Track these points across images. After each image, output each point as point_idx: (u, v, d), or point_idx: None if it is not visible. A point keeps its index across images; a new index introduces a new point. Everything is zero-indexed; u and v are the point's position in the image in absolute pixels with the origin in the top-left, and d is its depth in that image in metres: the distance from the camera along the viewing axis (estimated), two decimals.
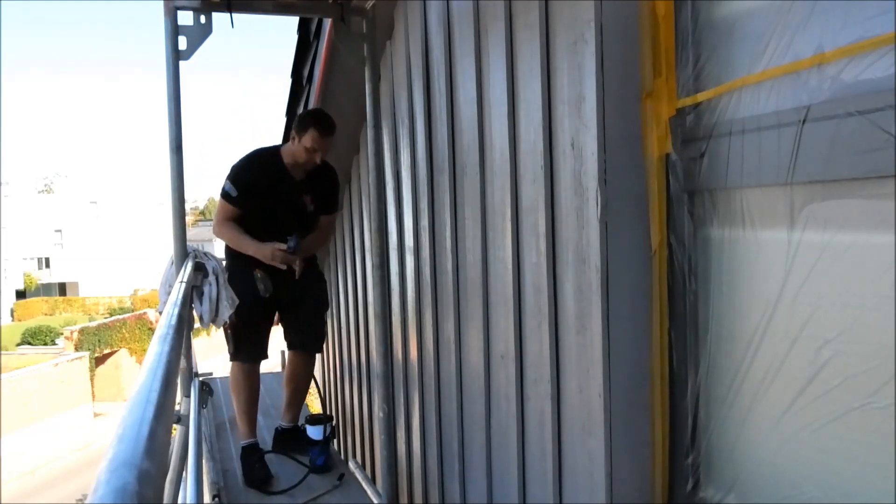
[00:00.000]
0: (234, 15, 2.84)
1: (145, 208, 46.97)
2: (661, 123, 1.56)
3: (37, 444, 20.61)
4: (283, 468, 3.45)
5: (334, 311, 5.55)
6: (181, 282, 2.43)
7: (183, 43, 2.75)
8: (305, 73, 4.11)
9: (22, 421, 20.31)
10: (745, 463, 1.44)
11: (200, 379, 3.17)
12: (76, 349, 24.48)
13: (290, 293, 3.36)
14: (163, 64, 2.74)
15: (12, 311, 41.59)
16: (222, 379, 4.92)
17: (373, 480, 4.38)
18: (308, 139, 3.09)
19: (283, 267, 3.16)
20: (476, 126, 2.26)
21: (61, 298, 44.07)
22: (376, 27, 3.10)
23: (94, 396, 24.10)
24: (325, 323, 3.87)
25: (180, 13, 2.76)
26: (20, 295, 44.27)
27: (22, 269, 44.95)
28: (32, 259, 45.94)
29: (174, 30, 2.73)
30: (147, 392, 0.89)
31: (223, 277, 2.91)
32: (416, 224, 3.02)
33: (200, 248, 3.03)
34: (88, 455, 20.97)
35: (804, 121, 1.20)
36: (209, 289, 2.82)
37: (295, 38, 3.99)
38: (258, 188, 3.21)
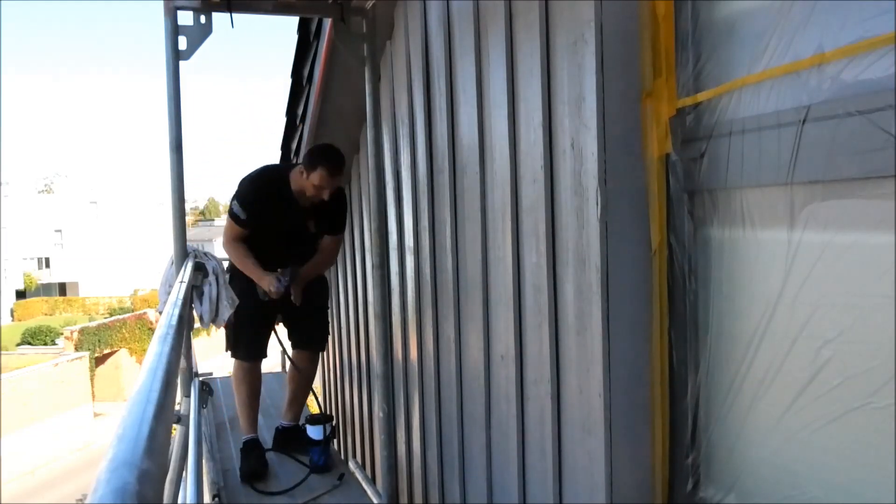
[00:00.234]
0: (233, 15, 2.84)
1: (145, 208, 46.98)
2: (661, 123, 1.56)
3: (37, 444, 20.61)
4: (284, 468, 3.46)
5: (334, 310, 5.55)
6: (181, 282, 2.43)
7: (183, 43, 2.76)
8: (305, 73, 4.11)
9: (22, 421, 20.31)
10: (745, 463, 1.44)
11: (200, 379, 3.17)
12: (76, 349, 24.48)
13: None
14: (163, 64, 2.74)
15: (12, 311, 41.59)
16: (222, 379, 4.93)
17: (373, 480, 4.38)
18: (316, 177, 3.08)
19: (276, 297, 3.20)
20: (476, 126, 2.26)
21: (61, 298, 44.08)
22: (376, 27, 3.10)
23: (94, 396, 24.10)
24: (328, 322, 3.88)
25: (180, 13, 2.76)
26: (20, 295, 44.28)
27: (22, 269, 44.96)
28: (32, 259, 45.94)
29: (174, 30, 2.73)
30: (147, 392, 0.89)
31: (223, 277, 2.91)
32: (416, 224, 3.02)
33: (200, 248, 3.03)
34: (88, 455, 20.97)
35: (804, 121, 1.20)
36: (209, 289, 2.83)
37: (295, 38, 3.98)
38: (265, 211, 3.23)
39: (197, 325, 2.87)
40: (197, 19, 2.78)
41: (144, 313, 28.46)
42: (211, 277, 2.83)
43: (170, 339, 1.29)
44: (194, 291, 2.77)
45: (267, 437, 3.71)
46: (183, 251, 2.88)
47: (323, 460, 3.39)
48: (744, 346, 1.40)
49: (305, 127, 4.44)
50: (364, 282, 4.50)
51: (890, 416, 1.08)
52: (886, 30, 1.05)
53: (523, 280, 2.01)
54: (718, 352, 1.49)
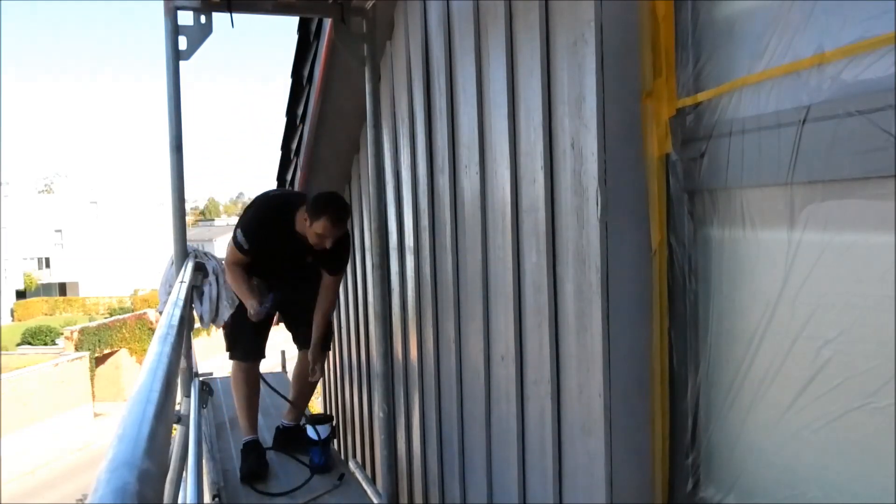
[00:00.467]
0: (234, 15, 2.84)
1: (145, 208, 46.99)
2: (662, 123, 1.56)
3: (37, 444, 20.61)
4: (284, 468, 3.46)
5: (335, 312, 5.55)
6: (181, 282, 2.43)
7: (183, 43, 2.76)
8: (305, 73, 4.11)
9: (22, 421, 20.31)
10: (745, 463, 1.44)
11: (200, 379, 3.18)
12: (76, 349, 24.47)
13: (292, 297, 3.39)
14: (163, 64, 2.74)
15: (12, 311, 41.59)
16: (222, 379, 4.92)
17: (373, 480, 4.38)
18: (319, 226, 3.07)
19: (255, 320, 3.22)
20: (476, 126, 2.26)
21: (61, 298, 44.08)
22: (376, 27, 3.10)
23: (94, 396, 24.09)
24: (331, 322, 3.88)
25: (180, 13, 2.76)
26: (20, 295, 44.28)
27: (22, 269, 44.96)
28: (32, 259, 45.94)
29: (174, 30, 2.73)
30: (147, 392, 0.89)
31: (223, 277, 2.91)
32: (416, 224, 3.02)
33: (200, 248, 3.03)
34: (88, 455, 20.97)
35: (804, 121, 1.20)
36: (209, 289, 2.83)
37: (295, 38, 3.98)
38: (267, 244, 3.24)
39: (197, 325, 2.87)
40: (197, 19, 2.78)
41: (144, 313, 28.46)
42: (211, 277, 2.84)
43: (170, 340, 1.29)
44: (194, 291, 2.77)
45: (267, 438, 3.71)
46: (183, 251, 2.88)
47: (323, 460, 3.39)
48: (744, 345, 1.40)
49: (305, 127, 4.44)
50: (364, 282, 4.50)
51: (890, 416, 1.07)
52: (886, 30, 1.05)
53: (523, 280, 2.01)
54: (718, 352, 1.49)
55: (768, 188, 1.32)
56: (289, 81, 4.32)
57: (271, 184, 5.69)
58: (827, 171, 1.17)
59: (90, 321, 29.44)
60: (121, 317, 28.85)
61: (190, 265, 2.75)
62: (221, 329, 3.36)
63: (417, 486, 3.24)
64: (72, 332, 25.27)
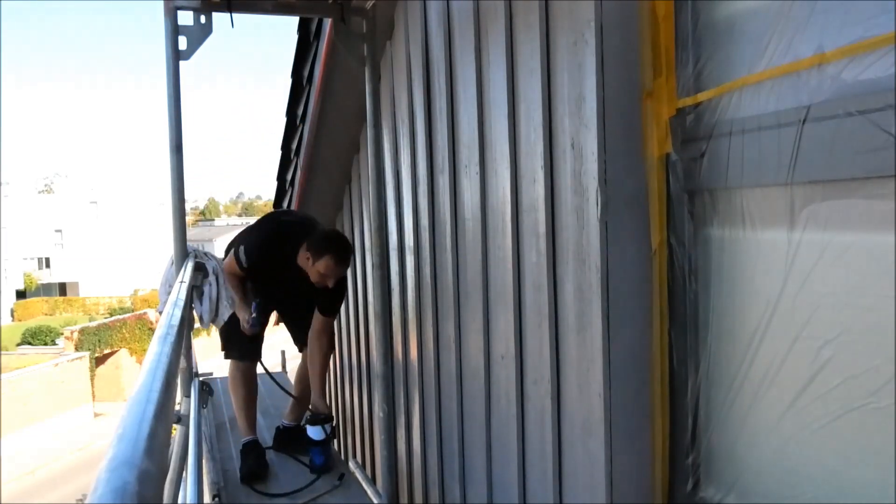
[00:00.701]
0: (234, 15, 2.84)
1: (145, 208, 46.99)
2: (662, 123, 1.56)
3: (37, 444, 20.61)
4: (284, 468, 3.45)
5: None
6: (181, 282, 2.43)
7: (183, 43, 2.76)
8: (305, 73, 4.11)
9: (22, 421, 20.31)
10: (745, 463, 1.44)
11: (200, 379, 3.18)
12: (76, 349, 24.48)
13: (292, 304, 3.40)
14: (163, 64, 2.74)
15: (12, 311, 41.59)
16: (222, 379, 4.91)
17: (373, 480, 4.38)
18: (322, 265, 3.08)
19: (247, 333, 3.25)
20: (476, 126, 2.26)
21: (61, 298, 44.08)
22: (376, 27, 3.10)
23: (94, 396, 24.09)
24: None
25: (180, 13, 2.76)
26: (20, 295, 44.28)
27: (22, 269, 44.96)
28: (32, 259, 45.95)
29: (174, 30, 2.73)
30: (147, 392, 0.89)
31: (223, 278, 2.91)
32: (416, 224, 3.02)
33: (200, 248, 3.03)
34: (88, 455, 20.96)
35: (804, 121, 1.20)
36: (209, 289, 2.83)
37: (295, 38, 3.98)
38: (266, 269, 3.25)
39: (197, 325, 2.87)
40: (197, 19, 2.78)
41: (144, 313, 28.46)
42: (211, 277, 2.84)
43: (170, 339, 1.29)
44: (194, 291, 2.77)
45: (267, 438, 3.71)
46: (183, 251, 2.88)
47: (323, 460, 3.39)
48: (744, 345, 1.40)
49: (306, 127, 4.44)
50: (364, 282, 4.50)
51: (890, 416, 1.07)
52: (886, 30, 1.05)
53: (523, 280, 2.01)
54: (718, 351, 1.49)
55: (768, 188, 1.32)
56: (289, 81, 4.32)
57: (271, 184, 5.69)
58: (827, 171, 1.17)
59: (90, 321, 29.44)
60: (121, 317, 28.85)
61: (190, 265, 2.75)
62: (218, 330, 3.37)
63: (417, 486, 3.24)
64: (72, 332, 25.27)
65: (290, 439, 3.61)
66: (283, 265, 3.22)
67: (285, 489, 3.20)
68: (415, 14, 2.91)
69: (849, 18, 1.12)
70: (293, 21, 3.87)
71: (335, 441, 4.61)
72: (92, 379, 24.05)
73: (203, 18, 2.79)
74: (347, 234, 4.86)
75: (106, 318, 31.09)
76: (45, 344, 29.63)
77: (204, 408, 3.45)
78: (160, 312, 2.09)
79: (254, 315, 3.19)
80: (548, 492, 1.89)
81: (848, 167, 1.13)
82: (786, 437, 1.31)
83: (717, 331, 1.50)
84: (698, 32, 1.50)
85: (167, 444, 1.02)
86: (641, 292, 1.62)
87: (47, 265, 46.78)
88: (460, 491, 2.62)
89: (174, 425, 1.84)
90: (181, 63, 2.77)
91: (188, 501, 1.91)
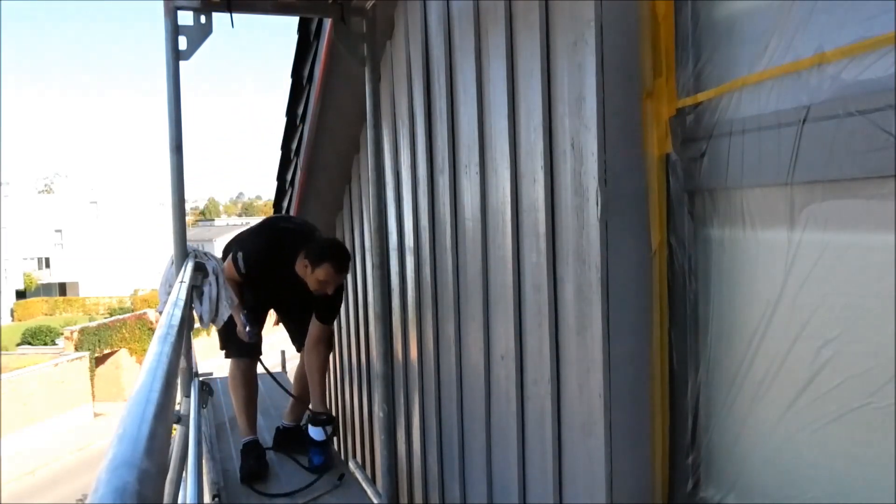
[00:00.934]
0: (234, 15, 2.83)
1: (145, 208, 46.99)
2: (662, 123, 1.56)
3: (37, 444, 20.61)
4: (284, 468, 3.46)
5: None
6: (181, 282, 2.43)
7: (183, 43, 2.75)
8: (305, 73, 4.11)
9: (22, 421, 20.31)
10: (745, 463, 1.44)
11: (200, 379, 3.17)
12: (76, 349, 24.48)
13: (287, 303, 3.40)
14: (163, 64, 2.74)
15: (12, 312, 41.59)
16: (222, 379, 4.92)
17: (373, 480, 4.37)
18: (322, 273, 3.10)
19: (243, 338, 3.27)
20: (476, 126, 2.26)
21: (61, 298, 44.08)
22: (376, 27, 3.10)
23: (94, 396, 24.10)
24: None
25: (180, 13, 2.76)
26: (20, 295, 44.28)
27: (22, 269, 44.96)
28: (32, 259, 45.95)
29: (174, 30, 2.73)
30: (147, 392, 0.89)
31: (223, 277, 2.90)
32: (416, 224, 3.02)
33: (200, 248, 3.03)
34: (88, 455, 20.96)
35: (804, 121, 1.20)
36: (209, 289, 2.82)
37: (295, 38, 3.98)
38: (263, 276, 3.27)
39: (197, 325, 2.87)
40: (197, 19, 2.78)
41: (144, 313, 28.46)
42: (211, 277, 2.83)
43: (170, 339, 1.29)
44: (194, 291, 2.76)
45: (267, 438, 3.71)
46: (183, 251, 2.87)
47: (322, 461, 3.39)
48: (744, 345, 1.40)
49: (305, 127, 4.44)
50: (364, 282, 4.50)
51: (890, 416, 1.07)
52: (886, 30, 1.05)
53: (523, 280, 2.01)
54: (719, 352, 1.49)
55: (768, 188, 1.32)
56: (289, 81, 4.32)
57: (272, 184, 5.68)
58: (827, 171, 1.17)
59: (90, 321, 29.44)
60: (121, 317, 28.85)
61: (190, 265, 2.74)
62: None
63: (417, 486, 3.24)
64: (72, 332, 25.28)
65: (289, 440, 3.62)
66: (281, 272, 3.24)
67: (285, 489, 3.21)
68: (415, 14, 2.91)
69: (849, 18, 1.12)
70: (293, 21, 3.87)
71: (335, 442, 4.61)
72: (92, 379, 24.06)
73: (203, 18, 2.78)
74: (347, 234, 4.86)
75: (106, 318, 31.09)
76: (45, 344, 29.64)
77: (204, 408, 3.45)
78: (160, 312, 2.09)
79: (247, 327, 3.21)
80: (548, 492, 1.89)
81: (848, 167, 1.13)
82: (786, 437, 1.31)
83: (717, 331, 1.50)
84: (698, 32, 1.50)
85: (167, 444, 1.02)
86: (641, 292, 1.62)
87: (47, 265, 46.78)
88: (460, 491, 2.62)
89: (174, 425, 1.84)
90: (181, 63, 2.77)
91: (188, 501, 1.91)
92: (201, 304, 2.81)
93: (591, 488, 1.68)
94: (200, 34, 2.78)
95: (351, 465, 4.74)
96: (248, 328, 3.23)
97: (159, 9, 2.75)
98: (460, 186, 2.47)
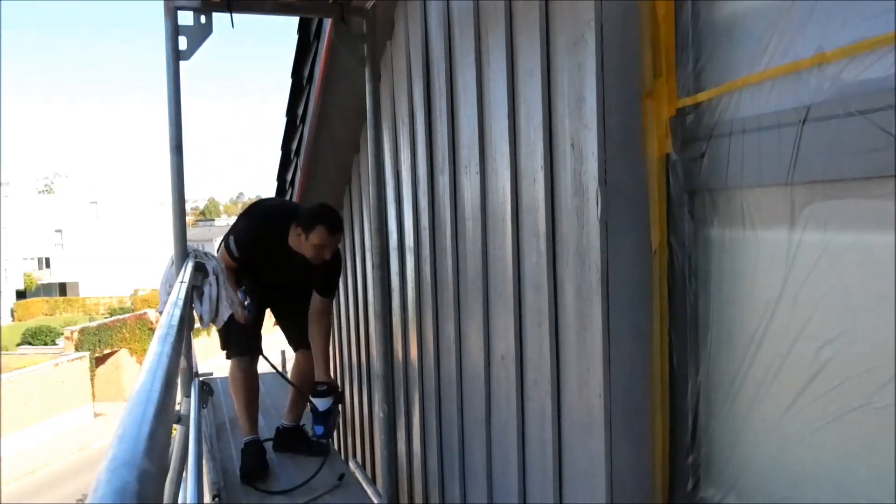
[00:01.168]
0: (234, 15, 2.83)
1: (146, 208, 46.99)
2: (662, 123, 1.56)
3: (37, 445, 20.62)
4: (284, 469, 3.46)
5: (335, 311, 5.55)
6: (181, 282, 2.43)
7: (183, 43, 2.75)
8: (306, 73, 4.11)
9: (22, 421, 20.31)
10: (745, 463, 1.44)
11: (201, 379, 3.18)
12: (76, 349, 24.48)
13: (284, 299, 3.40)
14: (163, 64, 2.74)
15: (12, 312, 41.59)
16: (222, 379, 4.92)
17: (373, 480, 4.37)
18: (316, 236, 3.09)
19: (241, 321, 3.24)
20: (476, 126, 2.26)
21: (61, 298, 44.07)
22: (376, 27, 3.10)
23: (94, 396, 24.11)
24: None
25: (180, 13, 2.76)
26: (20, 295, 44.28)
27: (22, 269, 44.95)
28: (33, 259, 45.95)
29: (174, 30, 2.73)
30: (147, 392, 0.89)
31: (223, 277, 2.90)
32: (417, 224, 3.02)
33: (201, 248, 3.03)
34: (88, 455, 20.97)
35: (804, 121, 1.20)
36: (209, 289, 2.82)
37: (295, 38, 3.98)
38: (258, 257, 3.27)
39: (197, 325, 2.87)
40: (197, 19, 2.78)
41: (145, 313, 28.46)
42: (211, 277, 2.83)
43: (170, 340, 1.29)
44: (194, 291, 2.76)
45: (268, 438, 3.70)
46: (183, 251, 2.87)
47: (322, 431, 3.41)
48: (744, 345, 1.40)
49: (306, 127, 4.44)
50: (364, 282, 4.50)
51: (890, 416, 1.07)
52: (886, 30, 1.05)
53: (523, 280, 2.01)
54: (719, 352, 1.49)
55: (768, 188, 1.32)
56: (289, 81, 4.32)
57: (272, 184, 5.69)
58: (827, 171, 1.17)
59: (90, 321, 29.44)
60: (121, 317, 28.86)
61: (190, 265, 2.74)
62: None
63: (418, 486, 3.24)
64: (72, 333, 25.28)
65: (290, 440, 3.62)
66: (276, 253, 3.23)
67: (284, 488, 3.20)
68: (415, 14, 2.91)
69: (849, 18, 1.12)
70: (293, 21, 3.87)
71: (335, 442, 4.60)
72: (92, 379, 24.07)
73: (203, 18, 2.78)
74: (347, 234, 4.86)
75: (106, 318, 31.10)
76: (46, 344, 29.63)
77: (204, 408, 3.45)
78: (160, 312, 2.09)
79: (245, 301, 3.19)
80: (548, 492, 1.89)
81: (848, 167, 1.13)
82: (786, 437, 1.31)
83: (717, 331, 1.50)
84: (698, 32, 1.50)
85: (167, 444, 1.02)
86: (641, 292, 1.62)
87: (47, 265, 46.79)
88: (460, 491, 2.62)
89: (174, 425, 1.84)
90: (181, 63, 2.77)
91: (188, 501, 1.91)
92: (201, 304, 2.82)
93: (591, 488, 1.68)
94: (200, 34, 2.78)
95: (351, 464, 4.75)
96: (246, 302, 3.20)
97: (159, 9, 2.75)
98: (460, 186, 2.47)
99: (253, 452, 3.39)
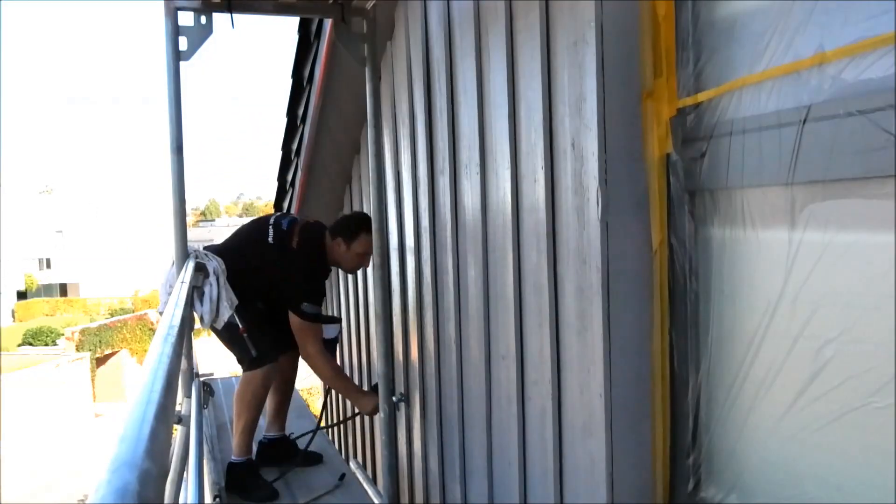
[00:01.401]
0: (234, 15, 2.83)
1: (146, 209, 47.01)
2: (662, 123, 1.56)
3: (37, 445, 20.61)
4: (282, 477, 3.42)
5: (335, 311, 5.55)
6: (182, 282, 2.43)
7: (183, 43, 2.75)
8: (306, 73, 4.11)
9: (22, 421, 20.31)
10: (746, 463, 1.44)
11: (201, 379, 3.17)
12: (77, 350, 24.49)
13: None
14: (163, 64, 2.74)
15: (13, 312, 41.59)
16: (223, 379, 4.93)
17: (374, 481, 4.37)
18: (360, 245, 3.13)
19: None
20: (477, 126, 2.26)
21: (62, 299, 44.07)
22: (377, 27, 3.10)
23: (94, 397, 24.10)
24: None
25: (181, 14, 2.76)
26: (21, 296, 44.27)
27: (23, 270, 44.95)
28: (33, 260, 45.94)
29: (175, 30, 2.73)
30: (148, 392, 0.89)
31: (223, 278, 2.90)
32: (417, 224, 3.02)
33: (201, 249, 3.03)
34: (89, 456, 20.98)
35: (805, 121, 1.20)
36: (210, 289, 2.83)
37: (295, 38, 3.98)
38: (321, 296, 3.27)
39: (197, 325, 2.87)
40: (197, 20, 2.78)
41: (145, 314, 28.46)
42: (212, 278, 2.83)
43: (171, 340, 1.29)
44: (195, 292, 2.76)
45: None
46: (183, 252, 2.87)
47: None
48: (745, 345, 1.40)
49: (306, 127, 4.44)
50: (365, 282, 4.50)
51: (890, 416, 1.07)
52: (886, 30, 1.05)
53: (524, 280, 2.01)
54: (719, 352, 1.49)
55: (769, 188, 1.32)
56: (289, 82, 4.32)
57: (272, 184, 5.68)
58: (827, 171, 1.17)
59: (91, 322, 29.46)
60: (121, 317, 28.84)
61: (190, 265, 2.75)
62: (232, 346, 3.17)
63: (418, 486, 3.24)
64: (73, 333, 25.29)
65: (277, 451, 3.48)
66: (324, 276, 3.25)
67: (284, 494, 3.20)
68: (415, 14, 2.91)
69: (849, 18, 1.12)
70: (294, 21, 3.87)
71: (335, 442, 4.60)
72: (93, 380, 24.06)
73: (203, 19, 2.78)
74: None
75: (107, 318, 31.10)
76: (46, 345, 29.61)
77: (205, 408, 3.45)
78: (161, 313, 2.09)
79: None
80: (548, 492, 1.89)
81: (848, 167, 1.13)
82: (787, 437, 1.31)
83: (717, 331, 1.50)
84: (699, 32, 1.50)
85: (168, 444, 1.02)
86: (642, 292, 1.62)
87: (48, 266, 46.79)
88: (461, 491, 2.62)
89: (175, 426, 1.84)
90: (182, 63, 2.77)
91: (189, 502, 1.91)
92: (202, 304, 2.82)
93: (591, 488, 1.68)
94: (201, 35, 2.78)
95: (352, 465, 4.75)
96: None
97: (159, 9, 2.75)
98: (461, 186, 2.47)
99: (256, 475, 3.21)
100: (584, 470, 1.72)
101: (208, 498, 3.07)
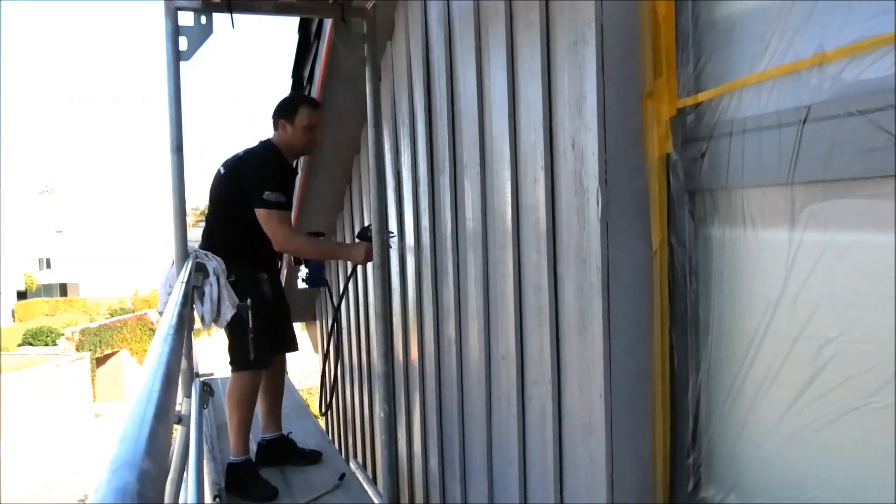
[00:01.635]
0: (234, 15, 2.83)
1: (146, 209, 47.02)
2: (662, 123, 1.56)
3: (37, 445, 20.62)
4: (276, 479, 3.40)
5: (335, 311, 5.54)
6: (182, 282, 2.43)
7: (184, 43, 2.75)
8: (306, 73, 4.11)
9: (22, 421, 20.32)
10: (746, 463, 1.44)
11: (201, 379, 3.17)
12: (77, 350, 24.50)
13: (280, 294, 3.36)
14: (163, 64, 2.74)
15: (13, 312, 41.59)
16: (223, 379, 4.92)
17: (374, 481, 4.38)
18: (304, 118, 3.05)
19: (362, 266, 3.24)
20: (477, 126, 2.26)
21: (62, 299, 44.07)
22: (377, 27, 3.10)
23: (95, 397, 24.10)
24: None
25: (181, 14, 2.76)
26: (21, 295, 44.27)
27: (23, 270, 44.95)
28: (33, 260, 45.94)
29: (175, 30, 2.73)
30: (148, 392, 0.89)
31: (224, 277, 2.90)
32: (417, 224, 3.02)
33: (201, 249, 3.02)
34: (89, 456, 20.98)
35: (805, 121, 1.20)
36: (210, 289, 2.82)
37: (295, 38, 3.99)
38: (288, 188, 3.18)
39: (198, 325, 2.87)
40: (197, 20, 2.78)
41: (145, 314, 28.47)
42: (212, 278, 2.83)
43: (171, 340, 1.29)
44: (195, 292, 2.76)
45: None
46: (183, 251, 2.87)
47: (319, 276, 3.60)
48: (745, 345, 1.40)
49: None
50: (365, 282, 4.50)
51: (890, 416, 1.08)
52: (886, 30, 1.05)
53: (524, 280, 2.01)
54: (719, 351, 1.49)
55: (769, 188, 1.32)
56: (289, 81, 4.32)
57: None
58: (827, 171, 1.17)
59: (91, 322, 29.46)
60: (121, 317, 28.86)
61: (190, 265, 2.74)
62: (234, 345, 3.13)
63: (418, 486, 3.24)
64: (73, 333, 25.30)
65: (277, 451, 3.46)
66: (291, 177, 3.25)
67: (283, 494, 3.20)
68: (415, 14, 2.91)
69: (849, 18, 1.12)
70: (294, 21, 3.87)
71: (335, 442, 4.60)
72: (93, 380, 24.07)
73: (203, 19, 2.78)
74: (348, 234, 4.86)
75: (107, 318, 31.12)
76: (46, 345, 29.61)
77: (205, 408, 3.43)
78: (161, 313, 2.09)
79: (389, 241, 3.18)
80: (549, 492, 1.89)
81: (848, 167, 1.13)
82: (787, 437, 1.31)
83: (717, 330, 1.50)
84: (699, 32, 1.50)
85: (168, 444, 1.02)
86: (642, 292, 1.62)
87: (48, 266, 46.79)
88: (461, 491, 2.62)
89: (175, 426, 1.84)
90: (182, 63, 2.77)
91: (189, 502, 1.91)
92: (202, 304, 2.81)
93: (592, 488, 1.68)
94: (201, 35, 2.78)
95: (352, 464, 4.75)
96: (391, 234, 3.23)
97: (160, 9, 2.75)
98: (461, 186, 2.47)
99: (256, 474, 3.19)
100: (584, 469, 1.72)
101: (208, 498, 3.07)
